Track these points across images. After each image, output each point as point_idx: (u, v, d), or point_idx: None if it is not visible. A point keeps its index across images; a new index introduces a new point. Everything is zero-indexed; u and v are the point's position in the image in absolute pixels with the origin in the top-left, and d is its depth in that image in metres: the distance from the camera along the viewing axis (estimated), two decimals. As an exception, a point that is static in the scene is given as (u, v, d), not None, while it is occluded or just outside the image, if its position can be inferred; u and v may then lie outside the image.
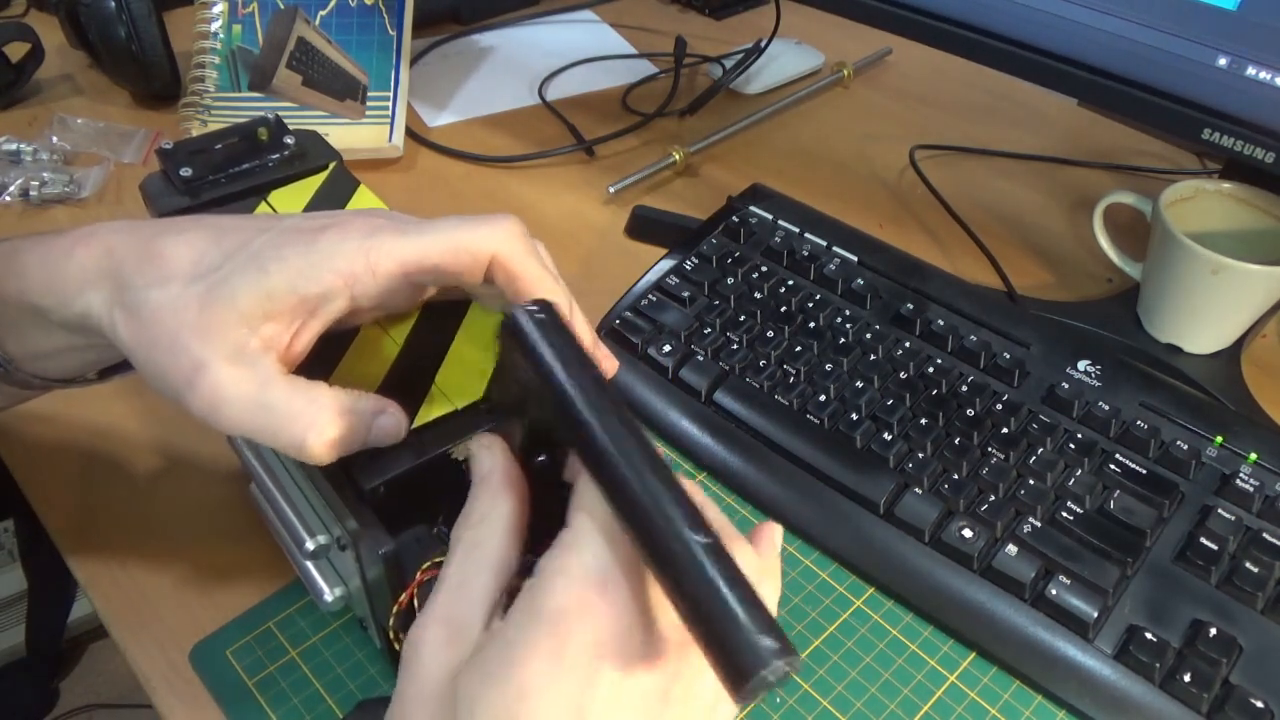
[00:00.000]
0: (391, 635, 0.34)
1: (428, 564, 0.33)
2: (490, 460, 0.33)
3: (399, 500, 0.34)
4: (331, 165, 0.47)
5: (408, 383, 0.37)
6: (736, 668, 0.24)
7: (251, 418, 0.32)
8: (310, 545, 0.36)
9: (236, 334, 0.32)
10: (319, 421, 0.31)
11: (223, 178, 0.45)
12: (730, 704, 0.28)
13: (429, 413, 0.35)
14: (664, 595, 0.27)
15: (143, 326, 0.32)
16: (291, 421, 0.31)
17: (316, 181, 0.46)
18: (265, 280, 0.32)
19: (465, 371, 0.37)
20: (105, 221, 0.35)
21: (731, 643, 0.24)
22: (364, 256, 0.32)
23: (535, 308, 0.30)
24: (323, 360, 0.37)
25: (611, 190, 0.72)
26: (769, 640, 0.24)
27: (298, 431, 0.31)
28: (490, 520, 0.31)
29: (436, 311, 0.40)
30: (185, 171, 0.45)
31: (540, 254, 0.35)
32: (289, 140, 0.47)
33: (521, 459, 0.34)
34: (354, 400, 0.33)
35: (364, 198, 0.46)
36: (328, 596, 0.37)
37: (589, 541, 0.28)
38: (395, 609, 0.34)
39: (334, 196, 0.46)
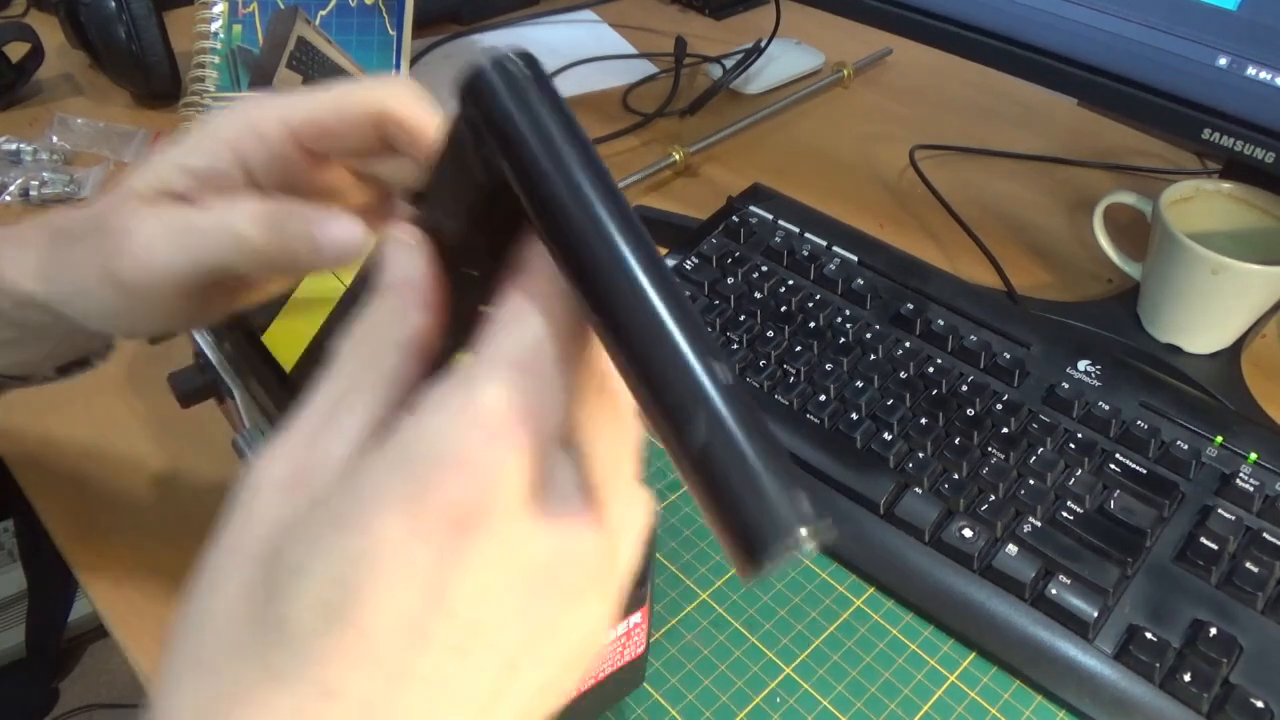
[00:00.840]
0: None
1: None
2: (407, 263, 0.24)
3: None
4: None
5: None
6: (751, 539, 0.19)
7: (183, 243, 0.31)
8: None
9: (140, 207, 0.32)
10: (239, 202, 0.31)
11: None
12: (615, 593, 0.23)
13: None
14: (584, 435, 0.22)
15: (56, 249, 0.33)
16: (218, 219, 0.31)
17: None
18: (156, 167, 0.32)
19: None
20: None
21: (751, 511, 0.19)
22: (248, 123, 0.31)
23: (512, 57, 0.22)
24: (318, 363, 0.38)
25: (611, 190, 0.71)
26: (790, 509, 0.19)
27: (228, 221, 0.30)
28: (389, 338, 0.23)
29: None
30: None
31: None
32: None
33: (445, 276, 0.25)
34: (284, 200, 0.31)
35: None
36: None
37: (497, 375, 0.21)
38: None
39: None
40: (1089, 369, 0.52)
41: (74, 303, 0.34)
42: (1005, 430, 0.50)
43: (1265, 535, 0.45)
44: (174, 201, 0.32)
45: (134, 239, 0.31)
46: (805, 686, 0.43)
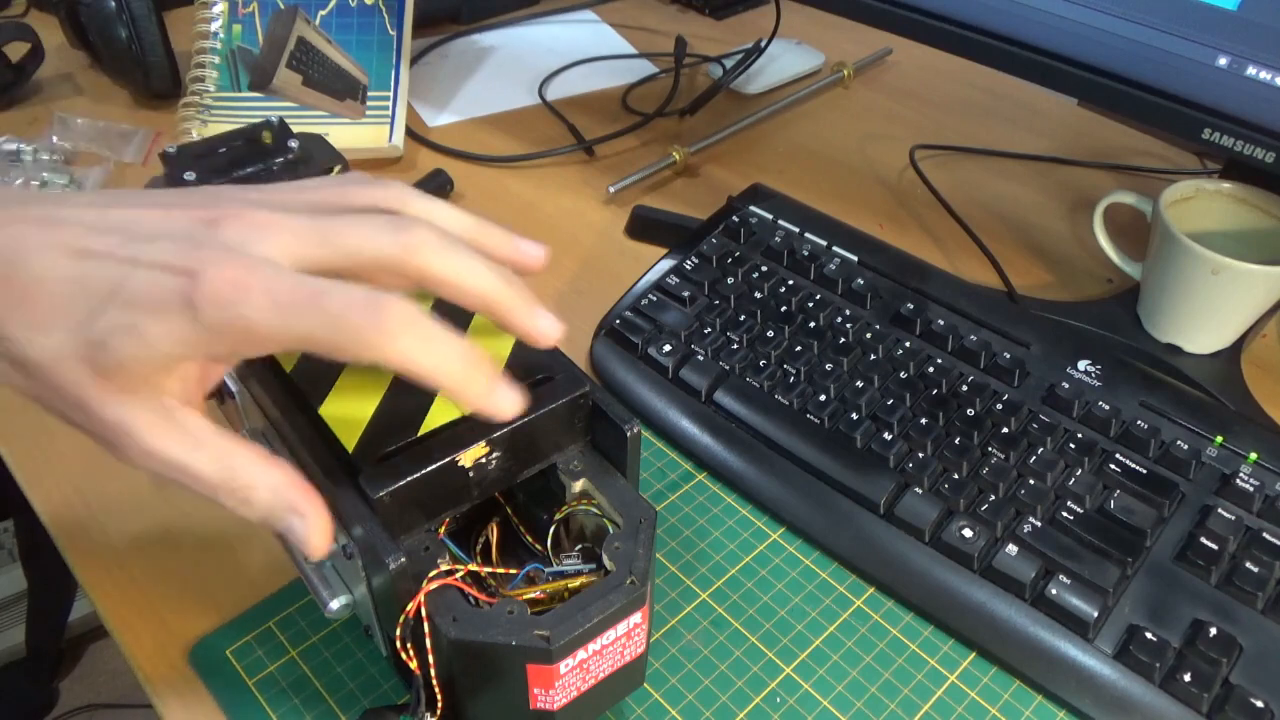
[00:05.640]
0: (398, 645, 0.34)
1: (434, 573, 0.33)
2: None
3: (404, 507, 0.34)
4: (336, 169, 0.47)
5: (414, 388, 0.37)
6: None
7: (192, 475, 0.31)
8: None
9: (145, 396, 0.30)
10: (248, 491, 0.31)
11: (226, 182, 0.45)
12: None
13: (436, 419, 0.35)
14: None
15: (40, 384, 0.30)
16: (225, 484, 0.31)
17: None
18: (148, 351, 0.29)
19: None
20: None
21: None
22: (243, 336, 0.29)
23: None
24: (329, 365, 0.37)
25: (611, 190, 0.72)
26: None
27: (226, 495, 0.31)
28: None
29: (444, 313, 0.40)
30: (189, 175, 0.45)
31: (460, 263, 0.32)
32: (293, 144, 0.47)
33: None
34: (283, 482, 0.32)
35: None
36: (334, 605, 0.37)
37: None
38: (402, 618, 0.33)
39: None
40: (1089, 369, 0.52)
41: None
42: (1005, 430, 0.50)
43: (1265, 535, 0.45)
44: (184, 389, 0.31)
45: (134, 446, 0.31)
46: (805, 686, 0.43)
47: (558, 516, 0.38)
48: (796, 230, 0.61)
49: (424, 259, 0.31)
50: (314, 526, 0.32)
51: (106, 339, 0.29)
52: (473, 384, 0.31)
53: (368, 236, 0.31)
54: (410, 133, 0.78)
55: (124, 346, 0.29)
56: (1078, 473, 0.48)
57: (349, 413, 0.36)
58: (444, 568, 0.34)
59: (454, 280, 0.32)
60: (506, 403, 0.32)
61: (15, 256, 0.30)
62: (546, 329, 0.33)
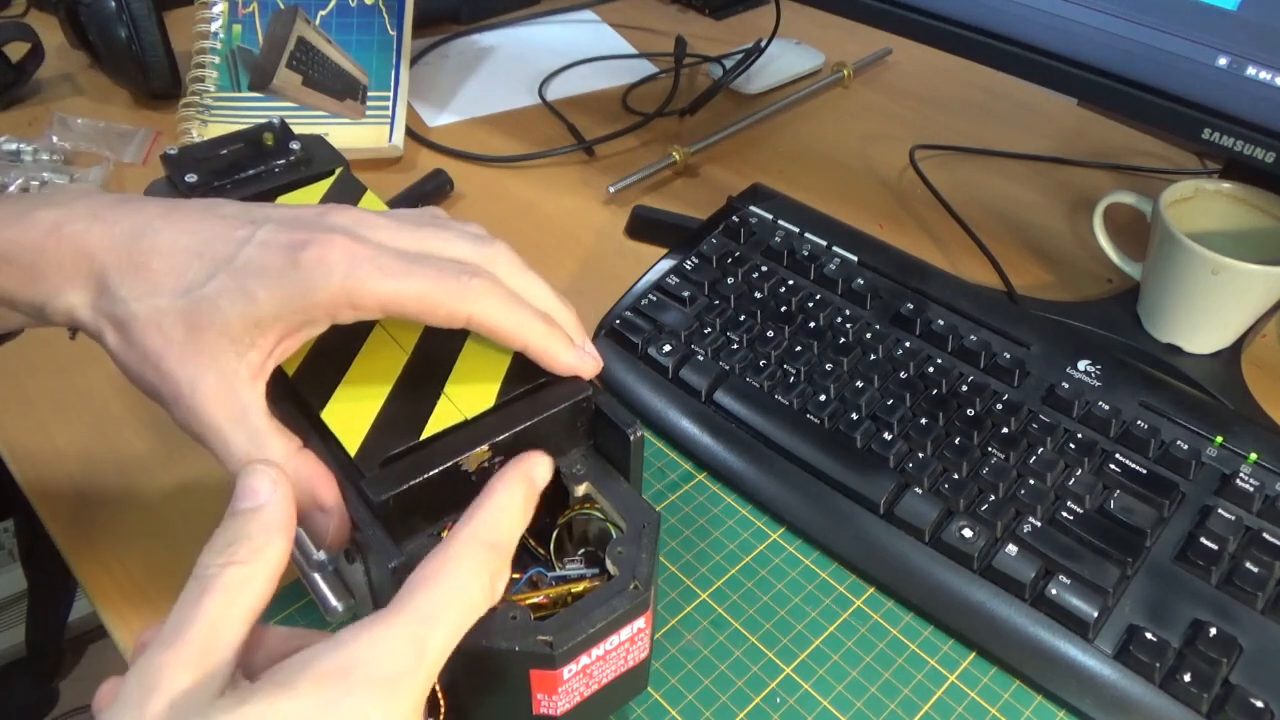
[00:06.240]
0: None
1: None
2: (270, 490, 0.31)
3: (407, 511, 0.34)
4: (338, 170, 0.47)
5: (417, 392, 0.37)
6: None
7: (223, 444, 0.34)
8: (318, 556, 0.36)
9: (224, 359, 0.33)
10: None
11: (228, 183, 0.45)
12: None
13: (439, 423, 0.35)
14: None
15: (130, 343, 0.34)
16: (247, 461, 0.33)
17: (323, 187, 0.46)
18: (253, 309, 0.33)
19: (476, 380, 0.37)
20: (66, 202, 0.35)
21: None
22: (345, 295, 0.33)
23: None
24: (331, 369, 0.37)
25: (611, 190, 0.72)
26: None
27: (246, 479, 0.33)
28: (263, 560, 0.29)
29: None
30: (190, 177, 0.45)
31: (529, 281, 0.37)
32: (294, 145, 0.47)
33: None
34: (309, 475, 0.34)
35: (370, 203, 0.46)
36: (336, 607, 0.37)
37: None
38: None
39: (341, 201, 0.46)
40: (1089, 369, 0.52)
41: (115, 361, 0.35)
42: (1005, 430, 0.50)
43: (1265, 535, 0.45)
44: (259, 361, 0.34)
45: (189, 404, 0.33)
46: (805, 686, 0.43)
47: (560, 520, 0.38)
48: (796, 230, 0.61)
49: (477, 304, 0.34)
50: (334, 523, 0.34)
51: (217, 298, 0.33)
52: (553, 341, 0.36)
53: (446, 247, 0.36)
54: (410, 133, 0.78)
55: (232, 305, 0.33)
56: (1078, 473, 0.48)
57: (351, 416, 0.36)
58: None
59: (497, 330, 0.35)
60: (588, 361, 0.36)
61: (139, 231, 0.34)
62: (577, 364, 0.36)
